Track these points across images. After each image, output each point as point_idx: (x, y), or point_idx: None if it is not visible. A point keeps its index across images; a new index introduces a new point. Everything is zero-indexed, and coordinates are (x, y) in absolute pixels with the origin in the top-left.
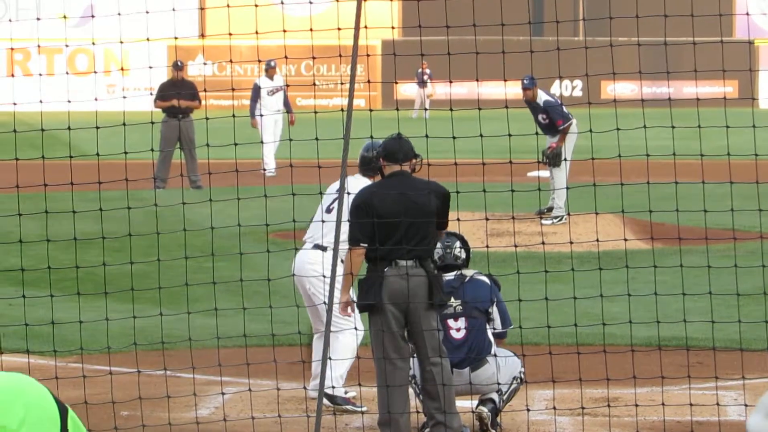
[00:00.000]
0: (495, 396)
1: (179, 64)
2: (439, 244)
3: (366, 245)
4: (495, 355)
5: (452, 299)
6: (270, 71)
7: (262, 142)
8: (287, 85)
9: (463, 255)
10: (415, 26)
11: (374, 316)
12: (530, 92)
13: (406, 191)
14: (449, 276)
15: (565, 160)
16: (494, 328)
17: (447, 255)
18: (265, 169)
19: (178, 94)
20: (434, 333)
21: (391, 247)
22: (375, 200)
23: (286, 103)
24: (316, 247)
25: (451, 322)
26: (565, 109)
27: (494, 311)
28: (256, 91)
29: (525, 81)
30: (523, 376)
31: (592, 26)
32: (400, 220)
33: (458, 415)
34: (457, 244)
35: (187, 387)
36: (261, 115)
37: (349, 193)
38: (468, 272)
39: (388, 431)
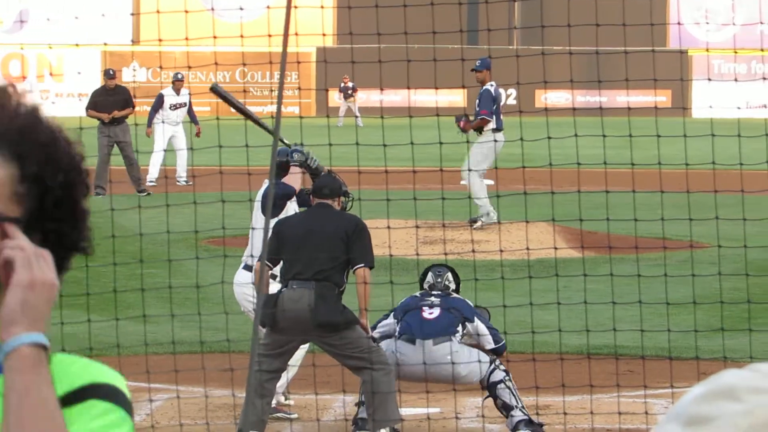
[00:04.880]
0: (515, 412)
1: (111, 72)
2: (430, 273)
3: (268, 264)
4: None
5: (432, 297)
6: (177, 84)
7: (155, 152)
8: (190, 99)
9: (453, 285)
10: (347, 33)
11: (267, 329)
12: (481, 75)
13: (319, 220)
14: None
15: (493, 167)
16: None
17: (438, 284)
18: (151, 181)
19: (104, 105)
20: (356, 347)
21: (289, 267)
22: (284, 226)
23: (192, 116)
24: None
25: (426, 308)
26: (500, 117)
27: (478, 327)
28: (159, 101)
29: (477, 62)
30: (490, 375)
31: (526, 35)
32: (300, 245)
33: (389, 422)
34: (449, 274)
35: None
36: (162, 122)
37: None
38: (455, 294)
39: None
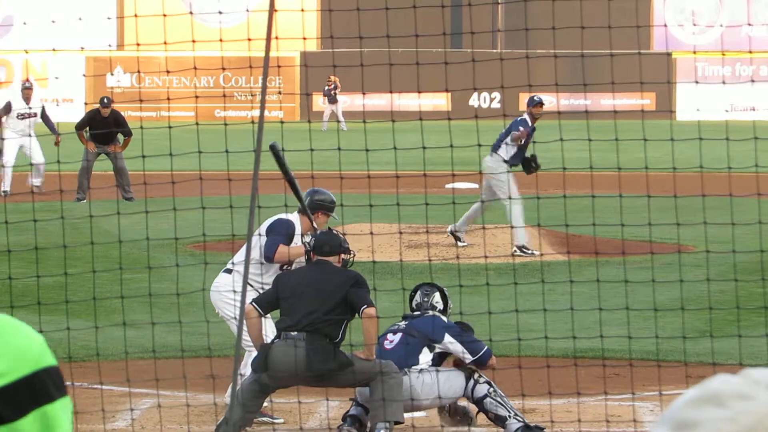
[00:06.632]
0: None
1: (105, 101)
2: (419, 292)
3: (258, 311)
4: (422, 370)
5: (403, 320)
6: (26, 92)
7: (3, 166)
8: (44, 110)
9: (440, 306)
10: (329, 37)
11: (259, 372)
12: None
13: (318, 277)
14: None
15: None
16: (468, 359)
17: (424, 303)
18: (5, 191)
19: (97, 129)
20: (360, 374)
21: (283, 319)
22: (284, 280)
23: (49, 125)
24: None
25: (389, 335)
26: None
27: (448, 345)
28: (7, 108)
29: (536, 98)
30: (473, 392)
31: (509, 38)
32: (296, 299)
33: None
34: (437, 294)
35: (100, 399)
36: (2, 139)
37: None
38: (434, 312)
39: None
